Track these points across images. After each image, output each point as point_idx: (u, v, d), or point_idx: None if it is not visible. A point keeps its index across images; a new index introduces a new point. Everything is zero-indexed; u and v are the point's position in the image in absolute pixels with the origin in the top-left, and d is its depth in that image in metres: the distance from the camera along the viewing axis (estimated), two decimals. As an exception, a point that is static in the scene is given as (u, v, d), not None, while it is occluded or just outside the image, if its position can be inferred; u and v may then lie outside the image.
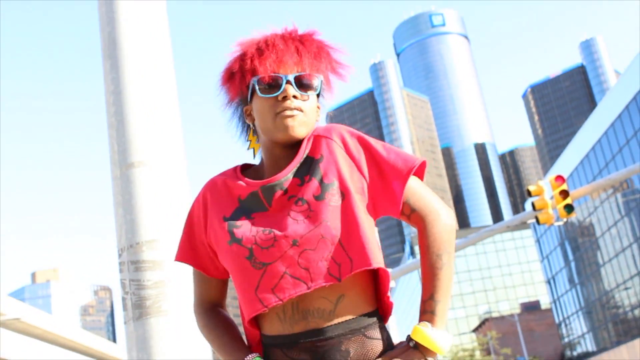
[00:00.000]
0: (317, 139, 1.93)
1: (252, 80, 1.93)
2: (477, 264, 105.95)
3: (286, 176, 1.89)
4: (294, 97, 1.90)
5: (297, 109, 1.90)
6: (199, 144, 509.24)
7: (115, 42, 2.99)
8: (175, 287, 2.69)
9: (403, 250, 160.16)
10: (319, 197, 1.83)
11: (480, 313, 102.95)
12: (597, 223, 52.52)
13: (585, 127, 52.82)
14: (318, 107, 2.01)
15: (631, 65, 43.22)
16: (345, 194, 1.86)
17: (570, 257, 59.99)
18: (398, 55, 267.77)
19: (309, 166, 1.89)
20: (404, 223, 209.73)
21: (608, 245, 50.99)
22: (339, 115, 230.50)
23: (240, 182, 1.93)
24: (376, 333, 1.85)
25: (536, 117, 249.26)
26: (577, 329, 62.16)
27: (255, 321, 1.89)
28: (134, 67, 2.97)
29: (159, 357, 2.61)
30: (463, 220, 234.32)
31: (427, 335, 1.78)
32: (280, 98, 1.89)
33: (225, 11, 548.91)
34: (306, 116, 1.92)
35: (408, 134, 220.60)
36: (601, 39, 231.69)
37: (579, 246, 57.81)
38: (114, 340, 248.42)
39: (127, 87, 2.94)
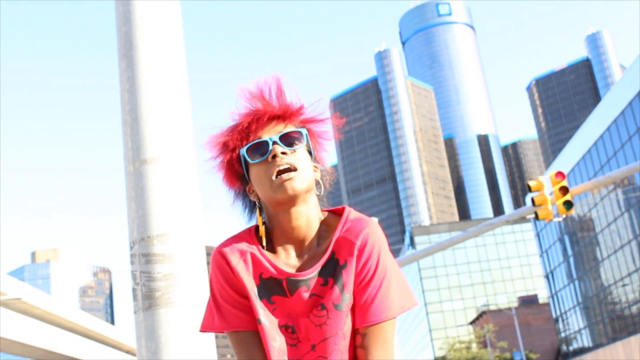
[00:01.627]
0: (346, 242, 1.94)
1: (241, 153, 1.99)
2: (477, 256, 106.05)
3: (310, 275, 1.94)
4: (283, 153, 1.93)
5: (289, 164, 1.93)
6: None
7: (131, 42, 3.11)
8: (183, 279, 2.82)
9: (403, 241, 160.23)
10: (338, 307, 1.91)
11: (478, 305, 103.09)
12: (597, 219, 52.60)
13: (589, 122, 52.82)
14: (315, 167, 2.04)
15: (637, 60, 43.15)
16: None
17: (570, 252, 60.12)
18: (403, 43, 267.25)
19: (333, 269, 1.94)
20: (405, 212, 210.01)
21: (607, 241, 51.09)
22: (343, 102, 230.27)
23: (267, 264, 1.97)
24: None
25: (540, 110, 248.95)
26: (574, 324, 62.34)
27: None
28: (149, 66, 3.09)
29: (166, 346, 2.74)
30: (464, 212, 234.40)
31: None
32: (270, 159, 1.93)
33: (237, 11, 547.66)
34: (301, 171, 1.94)
35: (411, 123, 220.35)
36: (607, 33, 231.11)
37: (578, 241, 57.92)
38: (112, 322, 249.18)
39: (142, 86, 3.06)
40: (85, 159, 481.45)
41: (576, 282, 59.69)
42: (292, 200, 1.93)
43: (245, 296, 1.97)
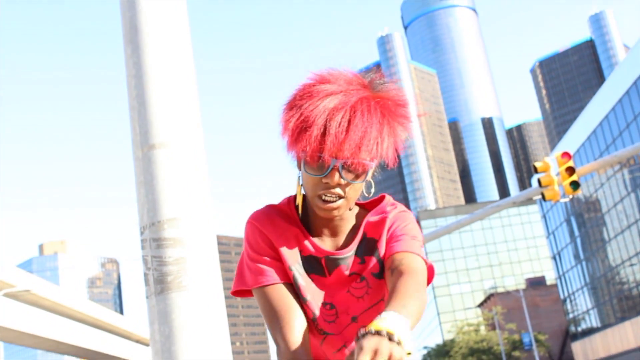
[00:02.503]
0: (379, 221, 1.96)
1: (301, 153, 1.89)
2: (483, 239, 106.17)
3: (348, 254, 1.95)
4: (339, 185, 1.86)
5: (339, 196, 1.87)
6: (217, 126, 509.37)
7: (137, 27, 3.11)
8: (195, 263, 2.83)
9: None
10: (377, 275, 1.92)
11: (486, 288, 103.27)
12: (603, 199, 52.56)
13: (593, 103, 52.68)
14: (364, 188, 1.97)
15: (640, 41, 43.00)
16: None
17: (576, 233, 60.12)
18: (406, 28, 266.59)
19: (370, 246, 1.94)
20: (411, 197, 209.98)
21: (614, 222, 51.07)
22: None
23: (306, 242, 1.99)
24: None
25: (544, 92, 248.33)
26: (582, 304, 62.41)
27: None
28: (155, 51, 3.09)
29: (179, 330, 2.76)
30: (469, 195, 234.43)
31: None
32: (324, 181, 1.85)
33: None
34: (347, 201, 1.89)
35: (415, 108, 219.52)
36: (610, 13, 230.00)
37: (585, 222, 57.90)
38: (121, 312, 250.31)
39: (148, 71, 3.06)
40: (91, 150, 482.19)
41: (583, 263, 59.72)
42: (327, 219, 1.97)
43: (279, 259, 1.98)
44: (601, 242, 54.61)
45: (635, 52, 44.04)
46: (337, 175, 1.83)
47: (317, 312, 1.94)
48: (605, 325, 56.47)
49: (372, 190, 2.00)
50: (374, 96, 1.91)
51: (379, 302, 1.95)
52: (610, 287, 54.51)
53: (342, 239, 2.00)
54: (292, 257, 1.98)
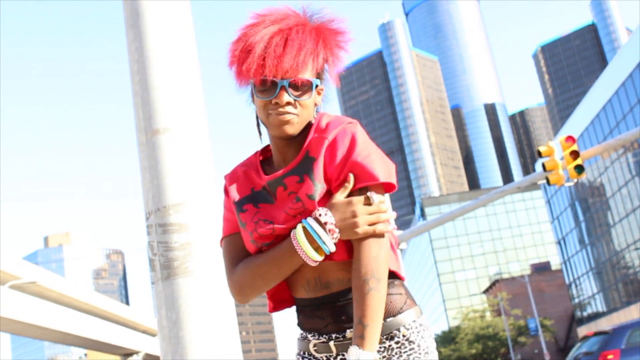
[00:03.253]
0: (318, 139, 2.00)
1: (249, 81, 2.04)
2: (488, 225, 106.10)
3: (283, 174, 2.01)
4: (288, 103, 1.98)
5: (290, 113, 1.99)
6: (220, 110, 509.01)
7: (138, 12, 3.08)
8: (201, 248, 2.81)
9: (413, 212, 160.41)
10: (311, 197, 1.95)
11: (491, 274, 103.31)
12: (607, 183, 52.48)
13: (596, 87, 52.54)
14: (315, 104, 2.08)
15: (643, 24, 42.79)
16: (327, 192, 2.00)
17: (581, 217, 60.07)
18: (407, 14, 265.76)
19: (308, 165, 1.99)
20: (415, 184, 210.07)
21: (618, 206, 51.01)
22: (348, 76, 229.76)
23: (255, 177, 2.10)
24: (394, 289, 2.01)
25: (546, 77, 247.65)
26: (587, 289, 62.44)
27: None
28: (157, 36, 3.06)
29: (186, 315, 2.74)
30: (473, 182, 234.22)
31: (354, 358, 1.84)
32: (273, 102, 1.98)
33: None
34: (299, 117, 2.00)
35: (417, 94, 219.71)
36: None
37: (589, 207, 57.85)
38: (127, 303, 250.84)
39: (151, 55, 3.04)
40: (95, 142, 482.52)
41: (588, 248, 59.69)
42: (283, 138, 2.04)
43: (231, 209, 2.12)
44: (606, 227, 54.56)
45: (637, 35, 43.87)
46: (284, 94, 1.96)
47: (254, 229, 2.01)
48: (610, 310, 56.48)
49: (320, 108, 2.11)
50: (311, 24, 2.06)
51: None
52: (616, 271, 54.50)
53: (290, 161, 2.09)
54: (241, 196, 2.09)
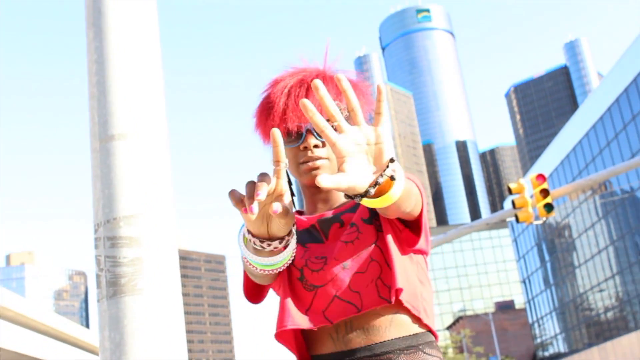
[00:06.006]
0: None
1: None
2: (454, 261, 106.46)
3: (342, 211, 1.91)
4: (316, 146, 1.90)
5: (320, 159, 1.90)
6: (181, 117, 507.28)
7: (100, 10, 2.89)
8: (152, 265, 2.59)
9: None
10: (367, 220, 1.83)
11: (455, 311, 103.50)
12: (574, 224, 52.86)
13: (567, 128, 53.11)
14: None
15: (614, 68, 43.46)
16: (381, 218, 1.85)
17: (546, 257, 60.38)
18: (383, 49, 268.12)
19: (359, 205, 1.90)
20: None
21: (584, 247, 51.35)
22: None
23: (303, 218, 1.96)
24: (433, 351, 1.83)
25: (518, 117, 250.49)
26: (550, 329, 62.63)
27: (302, 341, 1.90)
28: (119, 36, 2.87)
29: (131, 337, 2.51)
30: (441, 218, 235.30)
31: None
32: (301, 148, 1.90)
33: (213, 8, 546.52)
34: (331, 162, 1.91)
35: (390, 128, 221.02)
36: (585, 41, 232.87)
37: (555, 247, 58.18)
38: (87, 326, 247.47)
39: (111, 57, 2.84)
40: (61, 162, 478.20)
41: (553, 288, 59.95)
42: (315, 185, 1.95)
43: None
44: (571, 268, 54.86)
45: (609, 79, 44.49)
46: (311, 137, 1.89)
47: (305, 264, 1.84)
48: (572, 351, 56.64)
49: None
50: (331, 74, 2.02)
51: (371, 246, 1.83)
52: (579, 312, 54.73)
53: (335, 204, 1.99)
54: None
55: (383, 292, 1.78)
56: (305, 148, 1.89)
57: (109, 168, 2.66)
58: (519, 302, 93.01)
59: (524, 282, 68.31)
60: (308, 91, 1.90)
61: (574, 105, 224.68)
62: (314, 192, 1.97)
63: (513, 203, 16.45)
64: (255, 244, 1.66)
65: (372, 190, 1.46)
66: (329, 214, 1.91)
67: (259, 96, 2.01)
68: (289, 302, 1.83)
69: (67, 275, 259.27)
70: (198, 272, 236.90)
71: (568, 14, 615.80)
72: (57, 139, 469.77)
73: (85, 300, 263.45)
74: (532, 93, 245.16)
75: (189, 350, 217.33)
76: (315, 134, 1.88)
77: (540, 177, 16.37)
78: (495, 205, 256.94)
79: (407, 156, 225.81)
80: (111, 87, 2.78)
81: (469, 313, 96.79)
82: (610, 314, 48.66)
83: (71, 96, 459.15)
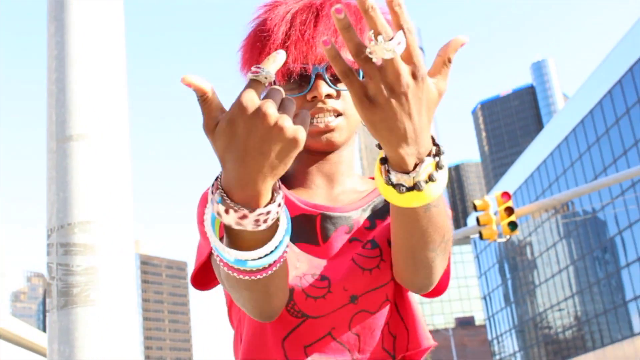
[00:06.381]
0: None
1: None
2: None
3: (357, 211, 1.39)
4: (328, 96, 1.37)
5: (335, 113, 1.38)
6: (144, 117, 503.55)
7: (63, 4, 2.74)
8: (107, 274, 2.44)
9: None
10: (390, 243, 1.35)
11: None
12: (536, 243, 53.24)
13: (532, 147, 53.52)
14: None
15: (580, 90, 43.92)
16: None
17: (508, 275, 60.72)
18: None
19: (384, 208, 1.40)
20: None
21: (545, 266, 51.73)
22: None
23: (294, 199, 1.39)
24: None
25: (484, 134, 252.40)
26: (509, 347, 62.91)
27: None
28: (82, 31, 2.72)
29: (81, 351, 2.36)
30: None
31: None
32: (309, 98, 1.37)
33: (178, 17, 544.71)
34: (347, 118, 1.40)
35: (357, 141, 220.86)
36: (552, 62, 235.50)
37: (516, 265, 58.53)
38: (44, 330, 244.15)
39: (72, 52, 2.69)
40: (20, 165, 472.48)
41: (513, 305, 60.28)
42: (327, 152, 1.43)
43: None
44: (531, 286, 55.22)
45: (575, 101, 44.95)
46: (322, 84, 1.35)
47: (297, 283, 1.32)
48: (530, 369, 56.96)
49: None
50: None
51: (389, 283, 1.36)
52: (538, 330, 55.08)
53: (340, 189, 1.45)
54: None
55: (387, 343, 1.38)
56: (314, 98, 1.36)
57: (65, 170, 2.51)
58: (479, 318, 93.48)
59: (484, 298, 68.62)
60: (317, 19, 1.36)
61: (539, 125, 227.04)
62: (317, 159, 1.44)
63: (477, 220, 16.45)
64: (228, 211, 0.97)
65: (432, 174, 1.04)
66: (337, 209, 1.39)
67: (249, 25, 1.45)
68: (264, 325, 1.34)
69: (25, 277, 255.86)
70: (159, 278, 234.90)
71: (536, 33, 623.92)
72: (13, 145, 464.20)
73: (43, 303, 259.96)
74: (499, 111, 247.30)
75: (147, 357, 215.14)
76: (327, 80, 1.35)
77: (506, 195, 16.40)
78: (459, 221, 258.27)
79: (372, 168, 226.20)
80: (71, 84, 2.63)
81: (429, 328, 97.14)
82: (568, 333, 49.03)
83: (30, 95, 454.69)
